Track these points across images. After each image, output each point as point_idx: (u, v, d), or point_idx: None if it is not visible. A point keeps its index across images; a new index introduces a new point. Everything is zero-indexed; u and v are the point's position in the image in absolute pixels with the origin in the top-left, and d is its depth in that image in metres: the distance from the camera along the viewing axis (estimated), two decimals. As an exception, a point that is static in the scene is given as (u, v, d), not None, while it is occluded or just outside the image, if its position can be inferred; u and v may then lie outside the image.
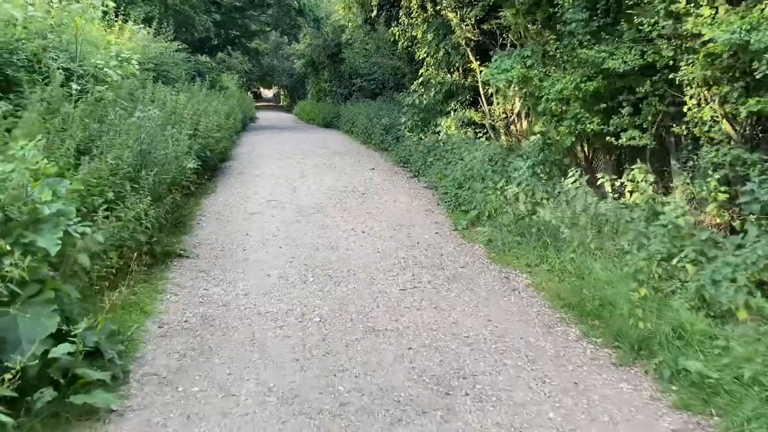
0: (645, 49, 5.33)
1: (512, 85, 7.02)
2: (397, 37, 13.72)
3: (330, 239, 5.78)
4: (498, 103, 9.23)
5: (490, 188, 6.36)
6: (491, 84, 6.97)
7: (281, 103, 52.36)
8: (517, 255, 5.04)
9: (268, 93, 64.38)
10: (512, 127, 9.20)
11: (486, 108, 9.40)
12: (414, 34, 12.29)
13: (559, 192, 5.83)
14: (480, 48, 9.48)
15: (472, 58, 9.33)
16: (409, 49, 13.56)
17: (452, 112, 10.37)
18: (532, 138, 6.59)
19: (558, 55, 6.40)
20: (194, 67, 14.35)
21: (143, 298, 3.98)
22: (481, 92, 9.40)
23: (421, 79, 10.92)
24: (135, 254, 4.19)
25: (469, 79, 10.35)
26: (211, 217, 6.58)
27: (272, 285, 4.45)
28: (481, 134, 9.47)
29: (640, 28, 5.10)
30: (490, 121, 9.40)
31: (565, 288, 4.19)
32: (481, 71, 9.19)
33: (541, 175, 6.02)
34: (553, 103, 6.18)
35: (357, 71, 20.12)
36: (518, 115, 8.97)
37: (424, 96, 10.63)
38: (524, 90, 7.02)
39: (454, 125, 10.03)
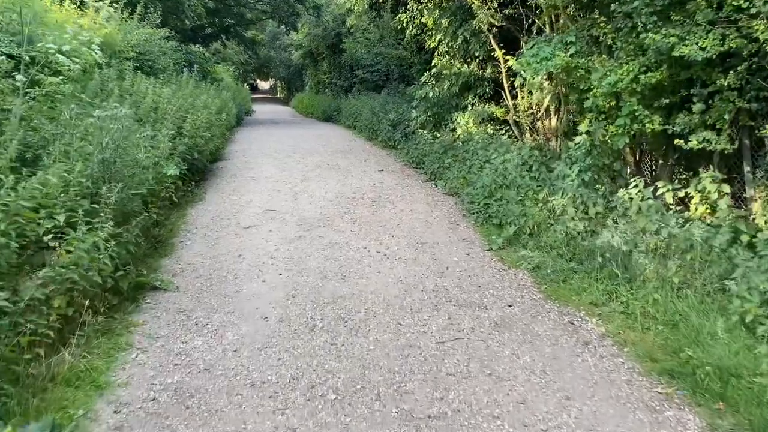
0: (727, 32, 4.30)
1: (551, 77, 5.97)
2: (404, 25, 12.65)
3: (340, 263, 4.77)
4: (523, 97, 8.21)
5: (529, 199, 5.35)
6: (526, 75, 5.93)
7: (278, 95, 51.26)
8: (577, 289, 4.04)
9: (264, 85, 63.25)
10: (539, 123, 8.17)
11: (510, 102, 8.37)
12: (424, 20, 11.25)
13: (615, 205, 4.83)
14: (503, 35, 8.45)
15: (495, 45, 8.28)
16: (418, 37, 12.50)
17: (469, 107, 9.35)
18: (578, 139, 5.57)
19: (610, 42, 5.37)
20: (184, 57, 13.24)
21: (98, 362, 2.97)
22: (505, 84, 8.36)
23: (433, 70, 9.86)
24: (88, 300, 3.16)
25: (489, 69, 9.31)
26: (198, 233, 5.56)
27: (270, 334, 3.45)
28: (502, 131, 8.45)
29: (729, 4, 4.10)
30: (513, 117, 8.37)
31: (655, 343, 3.20)
32: (506, 60, 8.16)
33: (596, 185, 5.01)
34: (601, 99, 5.18)
35: (359, 62, 19.02)
36: (546, 110, 7.95)
37: (437, 88, 9.58)
38: (567, 82, 5.99)
39: (472, 121, 9.01)
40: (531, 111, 8.11)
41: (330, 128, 16.73)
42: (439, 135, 9.14)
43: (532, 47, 6.02)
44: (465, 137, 8.10)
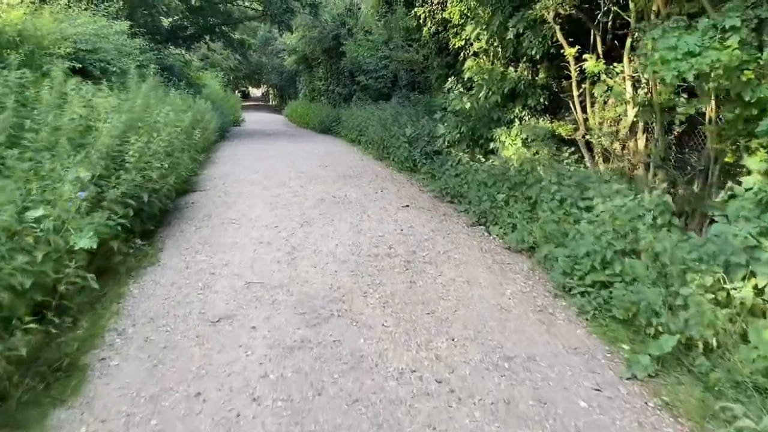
0: None
1: (703, 80, 3.83)
2: (421, 21, 10.54)
3: (375, 413, 2.60)
4: (599, 109, 6.09)
5: (688, 282, 3.19)
6: (666, 76, 3.79)
7: (270, 103, 49.22)
8: None
9: (256, 92, 61.36)
10: (615, 144, 6.06)
11: (580, 116, 6.24)
12: (447, 15, 9.16)
13: None
14: (569, 27, 6.34)
15: (562, 40, 6.16)
16: (439, 35, 10.40)
17: (517, 122, 7.22)
18: (748, 181, 3.44)
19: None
20: (157, 59, 11.02)
21: None
22: (575, 92, 6.24)
23: (466, 75, 7.73)
24: None
25: (542, 73, 7.19)
26: (133, 340, 3.34)
27: None
28: (566, 153, 6.33)
29: None
30: (584, 135, 6.24)
31: None
32: (577, 59, 6.05)
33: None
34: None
35: (360, 67, 16.90)
36: (631, 127, 5.85)
37: (471, 98, 7.43)
38: (721, 88, 3.86)
39: (520, 140, 6.88)
40: (612, 128, 5.99)
41: (330, 142, 14.53)
42: (483, 159, 6.98)
43: (664, 38, 3.87)
44: (522, 164, 5.94)
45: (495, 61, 7.71)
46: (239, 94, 48.65)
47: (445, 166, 7.60)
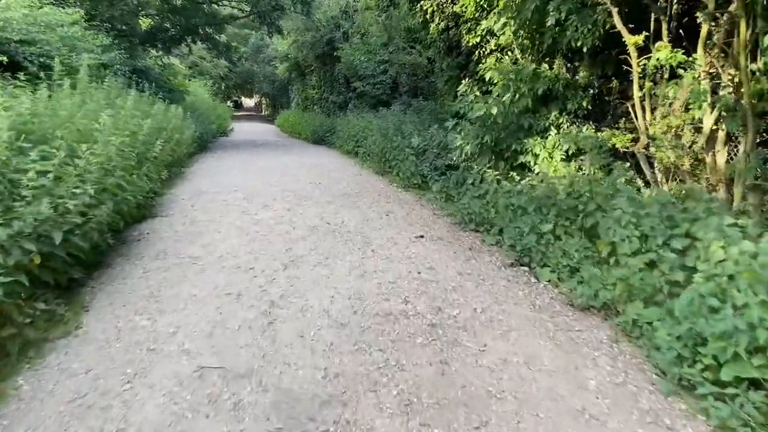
0: None
1: None
2: (428, 16, 9.25)
3: None
4: (660, 115, 4.78)
5: None
6: None
7: (263, 113, 48.02)
8: None
9: (249, 102, 60.26)
10: (684, 159, 4.75)
11: (641, 123, 4.92)
12: (459, 9, 7.90)
13: None
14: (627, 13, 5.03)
15: (621, 26, 4.84)
16: (450, 32, 9.11)
17: (553, 130, 5.89)
18: None
19: None
20: (122, 59, 9.63)
21: None
22: (636, 93, 4.91)
23: (488, 74, 6.43)
24: None
25: (583, 71, 5.89)
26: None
27: None
28: (621, 170, 4.98)
29: None
30: (646, 147, 4.92)
31: None
32: (640, 51, 4.75)
33: None
34: None
35: (356, 73, 15.62)
36: (709, 138, 4.54)
37: (496, 102, 6.10)
38: None
39: (559, 153, 5.55)
40: (683, 138, 4.66)
41: (323, 154, 13.15)
42: (514, 176, 5.61)
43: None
44: (573, 183, 4.59)
45: (524, 57, 6.40)
46: (231, 104, 47.44)
47: (465, 185, 6.24)
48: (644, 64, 4.69)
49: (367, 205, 6.64)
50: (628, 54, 4.80)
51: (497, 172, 6.15)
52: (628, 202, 3.74)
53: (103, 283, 3.91)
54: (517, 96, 6.06)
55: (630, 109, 5.07)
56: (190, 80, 23.18)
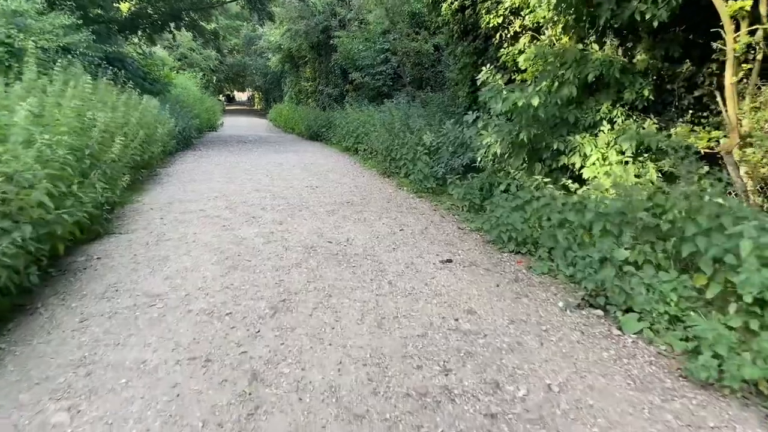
0: None
1: None
2: (440, -6, 8.13)
3: None
4: (748, 107, 3.70)
5: None
6: None
7: (255, 107, 46.79)
8: None
9: (242, 96, 59.15)
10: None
11: (733, 116, 3.82)
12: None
13: None
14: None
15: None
16: (465, 13, 7.97)
17: (604, 125, 4.78)
18: None
19: None
20: (88, 43, 8.43)
21: None
22: (728, 78, 3.81)
23: (521, 58, 5.33)
24: None
25: (641, 56, 4.80)
26: None
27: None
28: (698, 171, 3.91)
29: None
30: (741, 147, 3.83)
31: None
32: (735, 22, 3.65)
33: None
34: None
35: (354, 63, 14.45)
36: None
37: (536, 91, 4.97)
38: None
39: (615, 153, 4.47)
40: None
41: (320, 151, 11.96)
42: (568, 183, 4.50)
43: None
44: (653, 196, 3.49)
45: (567, 36, 5.29)
46: (224, 99, 46.06)
47: (494, 192, 5.13)
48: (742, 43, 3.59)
49: (375, 216, 5.51)
50: (721, 27, 3.69)
51: (538, 177, 5.04)
52: (757, 229, 2.64)
53: (17, 342, 2.77)
54: (556, 84, 4.97)
55: (719, 100, 3.96)
56: (178, 72, 21.91)
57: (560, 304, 3.35)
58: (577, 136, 4.90)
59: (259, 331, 2.93)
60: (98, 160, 4.41)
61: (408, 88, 12.07)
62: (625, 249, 3.29)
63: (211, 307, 3.21)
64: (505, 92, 5.04)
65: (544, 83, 4.99)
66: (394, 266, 3.96)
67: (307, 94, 22.84)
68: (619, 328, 3.01)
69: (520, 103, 4.73)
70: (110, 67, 8.78)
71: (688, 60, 4.51)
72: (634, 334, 2.93)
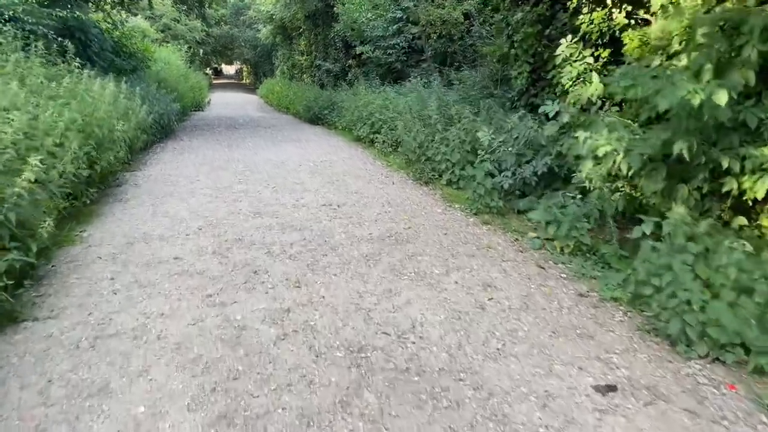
0: None
1: None
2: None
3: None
4: None
5: None
6: None
7: (244, 81, 44.42)
8: None
9: (230, 69, 57.02)
10: None
11: None
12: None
13: None
14: None
15: None
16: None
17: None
18: None
19: None
20: (20, 5, 6.40)
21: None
22: None
23: (657, 28, 3.48)
24: None
25: None
26: None
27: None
28: None
29: None
30: None
31: None
32: None
33: None
34: None
35: (361, 34, 12.42)
36: None
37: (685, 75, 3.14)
38: None
39: None
40: None
41: (325, 141, 9.97)
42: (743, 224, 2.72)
43: None
44: None
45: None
46: (210, 72, 43.46)
47: (638, 236, 3.31)
48: None
49: (439, 265, 3.68)
50: None
51: (681, 209, 3.25)
52: None
53: None
54: (711, 69, 3.16)
55: None
56: (161, 45, 19.62)
57: None
58: (764, 149, 3.10)
59: None
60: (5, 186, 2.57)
61: (428, 64, 10.11)
62: None
63: None
64: (650, 79, 3.19)
65: (708, 65, 3.16)
66: (517, 404, 2.18)
67: (302, 69, 20.70)
68: None
69: (696, 100, 2.89)
70: (59, 39, 6.76)
71: None
72: None
